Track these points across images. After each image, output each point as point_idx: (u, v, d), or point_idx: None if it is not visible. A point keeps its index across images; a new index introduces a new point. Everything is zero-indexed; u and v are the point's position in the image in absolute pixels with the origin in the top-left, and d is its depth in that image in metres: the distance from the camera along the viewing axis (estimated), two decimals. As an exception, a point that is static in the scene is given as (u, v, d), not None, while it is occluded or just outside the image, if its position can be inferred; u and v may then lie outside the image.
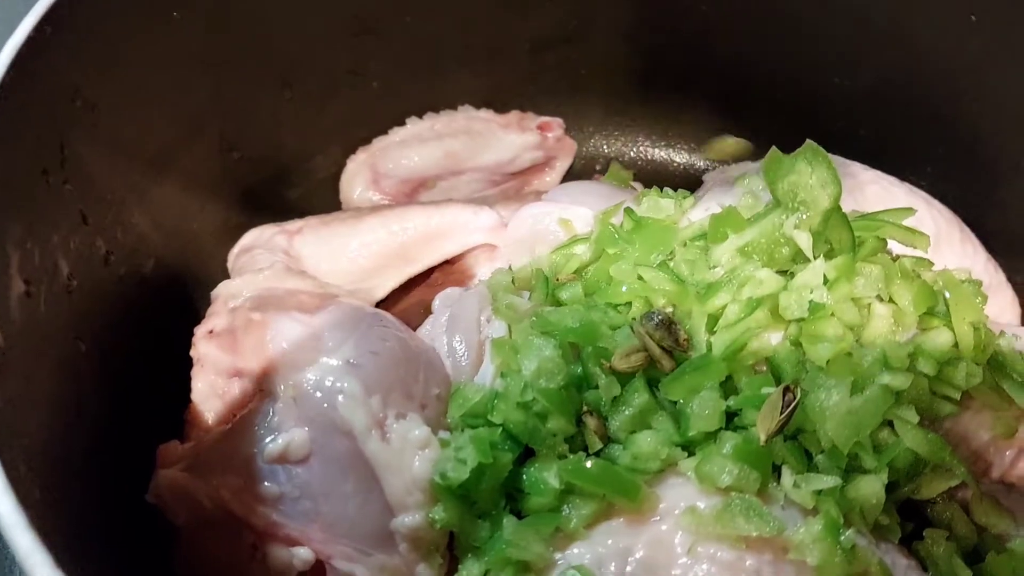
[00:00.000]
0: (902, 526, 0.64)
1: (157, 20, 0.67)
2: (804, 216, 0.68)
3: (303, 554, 0.62)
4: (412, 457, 0.64)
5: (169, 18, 0.68)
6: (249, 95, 0.82)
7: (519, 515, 0.64)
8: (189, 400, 0.71)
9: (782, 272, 0.69)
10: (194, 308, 0.81)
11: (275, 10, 0.80)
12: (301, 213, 0.89)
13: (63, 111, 0.59)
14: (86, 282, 0.63)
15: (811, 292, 0.66)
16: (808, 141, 0.69)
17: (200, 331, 0.72)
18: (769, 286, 0.67)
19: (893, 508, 0.64)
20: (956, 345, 0.67)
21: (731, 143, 1.06)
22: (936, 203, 0.87)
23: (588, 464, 0.64)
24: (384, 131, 0.97)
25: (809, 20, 0.95)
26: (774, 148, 0.70)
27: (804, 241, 0.68)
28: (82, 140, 0.61)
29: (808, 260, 0.68)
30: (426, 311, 0.84)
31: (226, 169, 0.82)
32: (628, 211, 0.78)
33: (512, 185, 1.00)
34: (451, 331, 0.75)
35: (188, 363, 0.73)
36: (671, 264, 0.74)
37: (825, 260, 0.67)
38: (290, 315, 0.69)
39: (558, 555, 0.62)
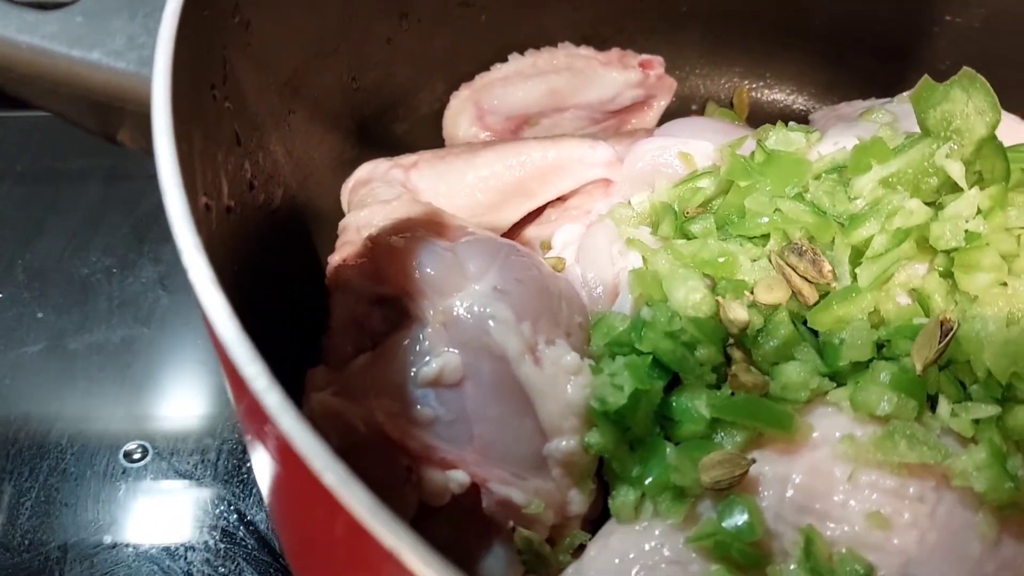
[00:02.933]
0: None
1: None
2: (956, 145, 0.67)
3: (459, 477, 0.62)
4: (565, 382, 0.64)
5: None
6: (371, 22, 0.80)
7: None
8: (325, 327, 0.71)
9: (928, 203, 0.68)
10: (311, 239, 0.81)
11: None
12: (407, 148, 0.88)
13: (225, 28, 0.58)
14: (238, 205, 0.62)
15: (966, 222, 0.65)
16: (965, 68, 0.68)
17: (335, 259, 0.71)
18: (919, 216, 0.66)
19: (1050, 438, 0.64)
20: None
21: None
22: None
23: (738, 397, 0.64)
24: (486, 67, 0.96)
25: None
26: (927, 76, 0.69)
27: (957, 171, 0.66)
28: (239, 57, 0.60)
29: (957, 190, 0.67)
30: (542, 248, 0.84)
31: (345, 99, 0.81)
32: (760, 143, 0.77)
33: (612, 123, 0.99)
34: (583, 264, 0.75)
35: (314, 291, 0.73)
36: (807, 196, 0.73)
37: (977, 192, 0.67)
38: (432, 242, 0.68)
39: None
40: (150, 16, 0.53)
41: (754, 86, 1.06)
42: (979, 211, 0.66)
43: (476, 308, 0.64)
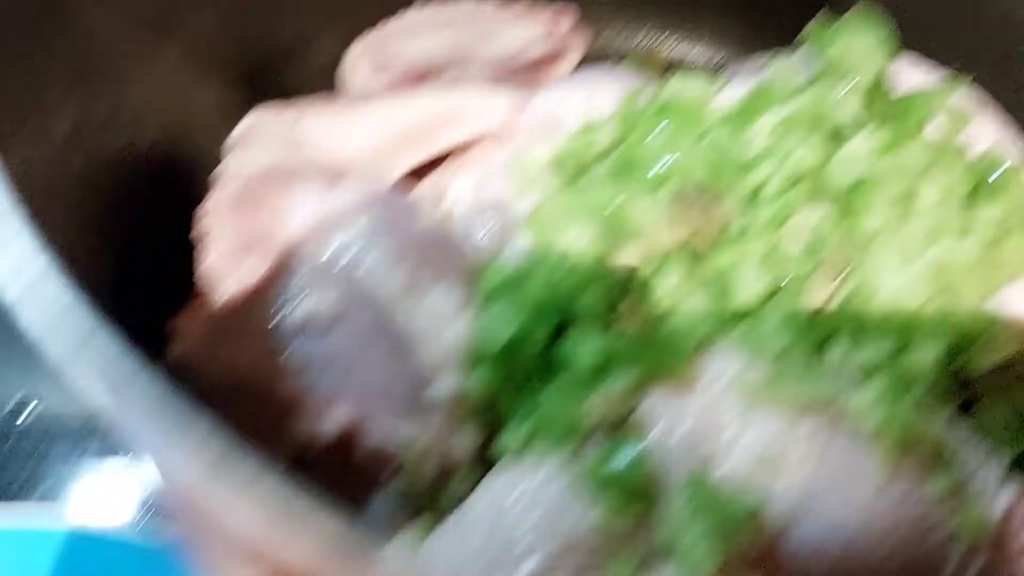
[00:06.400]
0: (953, 397, 0.63)
1: None
2: (851, 84, 0.66)
3: (333, 423, 0.58)
4: (445, 324, 0.60)
5: None
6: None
7: (558, 388, 0.62)
8: (194, 279, 0.66)
9: (824, 145, 0.67)
10: (189, 191, 0.76)
11: None
12: (298, 99, 0.84)
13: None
14: (84, 146, 0.57)
15: (860, 162, 0.64)
16: (862, 2, 0.66)
17: (206, 205, 0.67)
18: (814, 158, 0.65)
19: (944, 379, 0.62)
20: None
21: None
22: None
23: (627, 338, 0.61)
24: (386, 18, 0.92)
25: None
26: (823, 11, 0.67)
27: (852, 110, 0.65)
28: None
29: (853, 132, 0.66)
30: (437, 199, 0.80)
31: (229, 40, 0.76)
32: (658, 90, 0.74)
33: (519, 80, 0.96)
34: (476, 210, 0.72)
35: (187, 244, 0.68)
36: (704, 141, 0.71)
37: (873, 132, 0.65)
38: (308, 186, 0.65)
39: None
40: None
41: (670, 41, 1.03)
42: (873, 151, 0.64)
43: (352, 249, 0.61)
